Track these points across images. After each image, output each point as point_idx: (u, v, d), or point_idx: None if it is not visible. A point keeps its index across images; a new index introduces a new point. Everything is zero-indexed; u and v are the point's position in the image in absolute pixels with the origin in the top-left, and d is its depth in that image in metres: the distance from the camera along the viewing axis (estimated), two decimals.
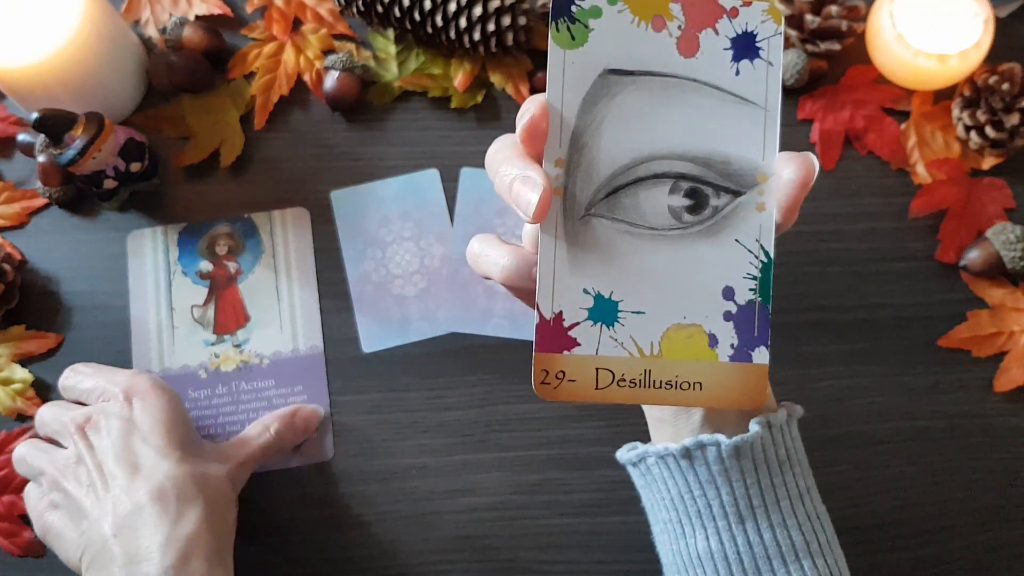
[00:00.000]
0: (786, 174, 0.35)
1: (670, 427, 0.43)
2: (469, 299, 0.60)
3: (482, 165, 0.62)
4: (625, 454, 0.45)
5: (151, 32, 0.65)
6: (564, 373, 0.35)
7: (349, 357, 0.59)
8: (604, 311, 0.36)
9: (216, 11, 0.65)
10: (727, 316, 0.36)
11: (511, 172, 0.35)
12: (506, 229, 0.61)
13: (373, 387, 0.59)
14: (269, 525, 0.56)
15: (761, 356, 0.36)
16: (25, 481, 0.55)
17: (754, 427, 0.41)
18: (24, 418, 0.58)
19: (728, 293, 0.36)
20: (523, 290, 0.39)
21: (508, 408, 0.58)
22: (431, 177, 0.62)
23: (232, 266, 0.56)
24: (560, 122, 0.35)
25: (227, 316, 0.56)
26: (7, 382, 0.58)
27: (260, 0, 0.65)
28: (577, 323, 0.36)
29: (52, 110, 0.55)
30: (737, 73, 0.35)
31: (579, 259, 0.36)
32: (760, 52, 0.35)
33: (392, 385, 0.59)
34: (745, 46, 0.35)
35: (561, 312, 0.36)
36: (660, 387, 0.36)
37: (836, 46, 0.63)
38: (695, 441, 0.41)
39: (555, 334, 0.35)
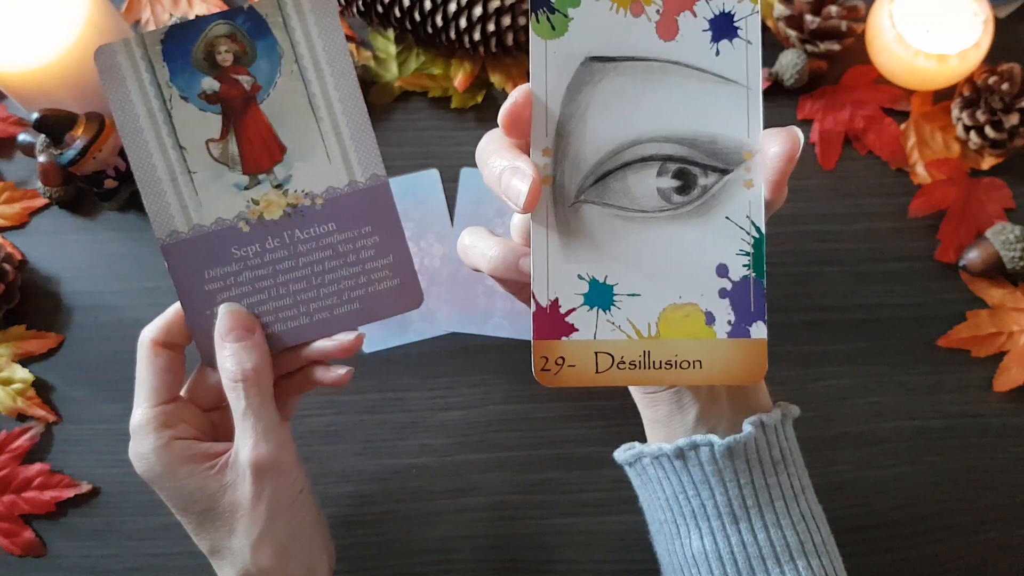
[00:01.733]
0: (772, 150, 0.35)
1: (664, 428, 0.43)
2: (469, 299, 0.60)
3: None
4: (622, 454, 0.45)
5: None
6: (564, 359, 0.35)
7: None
8: (599, 295, 0.36)
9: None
10: (722, 293, 0.36)
11: (500, 164, 0.35)
12: (506, 229, 0.61)
13: (373, 387, 0.59)
14: None
15: (759, 331, 0.36)
16: (27, 480, 0.56)
17: (747, 427, 0.41)
18: (24, 418, 0.58)
19: (722, 270, 0.36)
20: (510, 282, 0.39)
21: (508, 408, 0.58)
22: (431, 177, 0.62)
23: (246, 80, 0.42)
24: (545, 112, 0.35)
25: (256, 149, 0.43)
26: (7, 382, 0.58)
27: None
28: (573, 309, 0.36)
29: (53, 110, 0.55)
30: (717, 53, 0.35)
31: (572, 246, 0.36)
32: (739, 32, 0.36)
33: (392, 385, 0.59)
34: (723, 26, 0.36)
35: (557, 299, 0.36)
36: (660, 367, 0.36)
37: (836, 46, 0.63)
38: (688, 441, 0.41)
39: (552, 321, 0.36)
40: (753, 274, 0.36)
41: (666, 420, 0.43)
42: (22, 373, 0.58)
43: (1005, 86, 0.61)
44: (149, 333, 0.43)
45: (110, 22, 0.59)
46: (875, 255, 0.61)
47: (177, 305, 0.44)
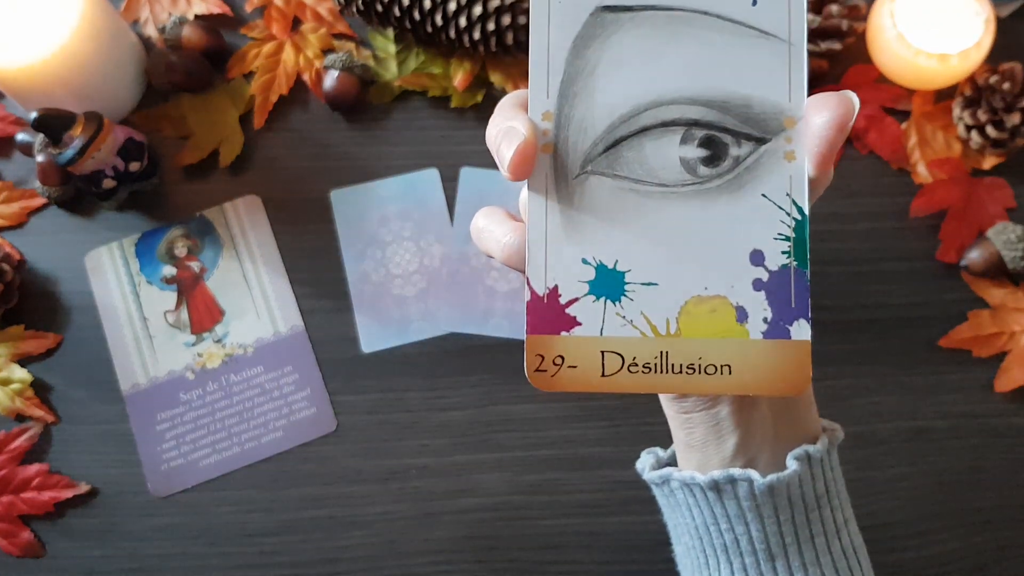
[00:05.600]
0: (819, 117, 0.29)
1: (698, 453, 0.38)
2: (469, 299, 0.60)
3: (482, 164, 0.62)
4: (648, 472, 0.40)
5: (150, 31, 0.65)
6: (563, 358, 0.30)
7: (349, 357, 0.59)
8: (608, 284, 0.30)
9: (215, 10, 0.65)
10: (757, 285, 0.30)
11: (499, 124, 0.31)
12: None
13: (373, 387, 0.59)
14: (269, 525, 0.56)
15: (801, 331, 0.30)
16: (25, 480, 0.56)
17: (792, 463, 0.37)
18: (23, 418, 0.57)
19: (757, 258, 0.30)
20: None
21: (508, 408, 0.58)
22: (431, 177, 0.62)
23: (195, 265, 0.57)
24: (547, 69, 0.30)
25: (201, 315, 0.57)
26: (6, 382, 0.58)
27: None
28: (576, 299, 0.30)
29: (51, 109, 0.55)
30: (754, 3, 0.30)
31: (576, 224, 0.30)
32: None
33: (392, 385, 0.59)
34: None
35: (556, 287, 0.30)
36: (680, 372, 0.30)
37: (837, 45, 0.62)
38: (725, 475, 0.36)
39: (550, 313, 0.30)
40: (794, 263, 0.30)
41: (701, 446, 0.38)
42: (20, 373, 0.58)
43: (1006, 85, 0.61)
44: None
45: (106, 18, 0.59)
46: (876, 255, 0.61)
47: None
